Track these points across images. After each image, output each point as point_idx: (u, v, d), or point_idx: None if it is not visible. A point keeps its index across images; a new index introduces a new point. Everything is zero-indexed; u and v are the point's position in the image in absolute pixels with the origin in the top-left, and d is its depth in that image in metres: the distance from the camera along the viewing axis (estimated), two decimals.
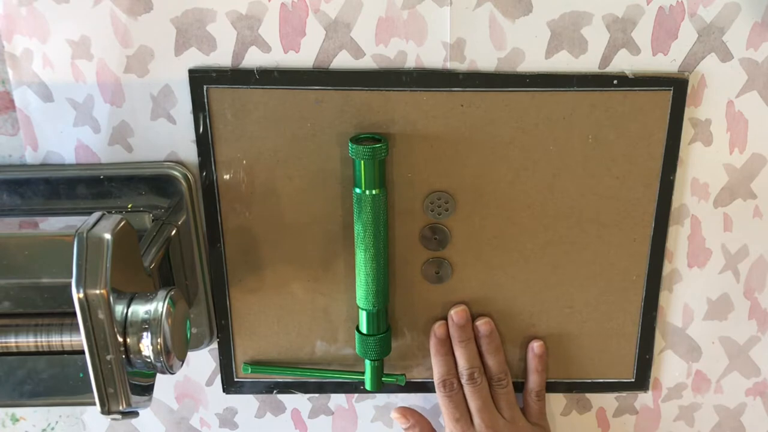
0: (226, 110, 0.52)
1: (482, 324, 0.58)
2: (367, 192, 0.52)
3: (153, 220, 0.53)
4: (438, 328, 0.58)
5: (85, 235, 0.41)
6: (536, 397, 0.59)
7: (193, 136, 0.53)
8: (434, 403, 0.62)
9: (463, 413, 0.57)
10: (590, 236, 0.56)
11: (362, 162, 0.51)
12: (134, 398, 0.43)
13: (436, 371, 0.58)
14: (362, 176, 0.51)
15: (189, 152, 0.54)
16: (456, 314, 0.57)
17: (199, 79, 0.51)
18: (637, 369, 0.60)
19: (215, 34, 0.51)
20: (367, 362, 0.57)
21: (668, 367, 0.61)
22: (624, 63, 0.51)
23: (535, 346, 0.59)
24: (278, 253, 0.56)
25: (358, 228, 0.53)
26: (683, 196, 0.55)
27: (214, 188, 0.54)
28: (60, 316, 0.45)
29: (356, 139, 0.52)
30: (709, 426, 0.63)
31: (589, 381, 0.60)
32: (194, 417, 0.62)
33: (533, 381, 0.59)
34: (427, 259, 0.56)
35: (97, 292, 0.40)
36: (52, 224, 0.53)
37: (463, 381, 0.57)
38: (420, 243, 0.56)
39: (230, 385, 0.60)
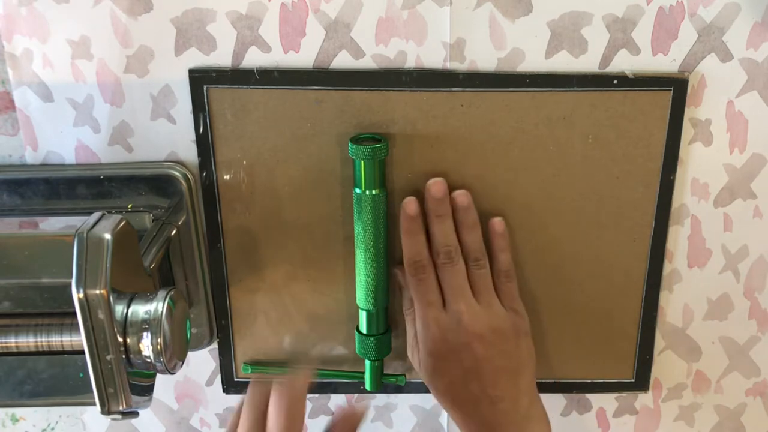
0: (226, 110, 0.52)
1: (460, 195, 0.52)
2: (367, 192, 0.52)
3: (153, 220, 0.53)
4: (409, 203, 0.52)
5: (85, 235, 0.41)
6: (505, 278, 0.54)
7: (193, 136, 0.53)
8: (434, 403, 0.62)
9: (437, 297, 0.52)
10: (590, 236, 0.56)
11: (362, 162, 0.51)
12: (134, 398, 0.43)
13: (407, 251, 0.53)
14: (362, 176, 0.51)
15: (189, 152, 0.54)
16: (434, 185, 0.52)
17: (199, 79, 0.51)
18: (637, 369, 0.60)
19: (215, 34, 0.51)
20: (367, 362, 0.57)
21: (668, 367, 0.61)
22: (624, 63, 0.51)
23: (496, 222, 0.54)
24: (278, 253, 0.56)
25: (358, 228, 0.53)
26: (683, 196, 0.55)
27: (214, 188, 0.54)
28: (60, 316, 0.45)
29: (356, 139, 0.52)
30: (709, 426, 0.63)
31: (589, 381, 0.60)
32: (194, 417, 0.62)
33: (500, 261, 0.54)
34: None
35: (97, 292, 0.40)
36: (52, 224, 0.53)
37: (439, 260, 0.52)
38: None
39: (230, 385, 0.60)
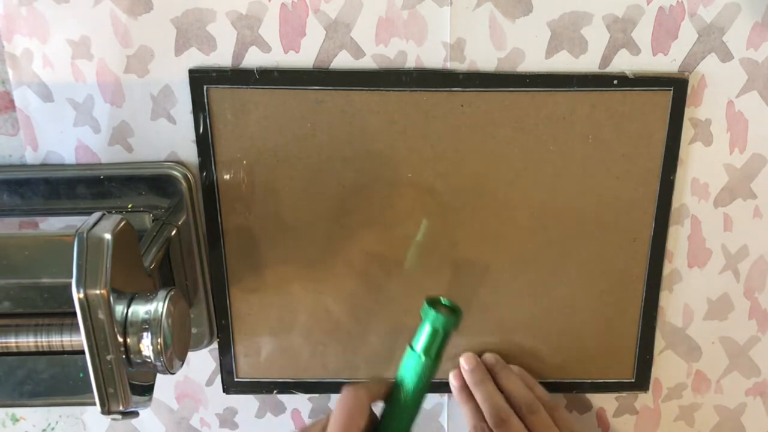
0: (226, 110, 0.52)
1: (487, 356, 0.57)
2: (424, 358, 0.49)
3: (153, 220, 0.53)
4: (454, 378, 0.57)
5: (85, 235, 0.41)
6: (552, 410, 0.55)
7: (193, 136, 0.53)
8: (435, 403, 0.62)
9: None
10: (590, 236, 0.56)
11: (432, 328, 0.49)
12: (134, 398, 0.43)
13: (468, 420, 0.55)
14: (427, 341, 0.49)
15: (189, 152, 0.54)
16: (465, 360, 0.57)
17: (199, 79, 0.51)
18: (637, 369, 0.60)
19: (215, 34, 0.51)
20: None
21: (668, 367, 0.61)
22: (624, 63, 0.51)
23: (511, 367, 0.57)
24: (278, 253, 0.56)
25: (400, 384, 0.49)
26: (683, 196, 0.55)
27: (214, 188, 0.54)
28: (60, 316, 0.45)
29: (432, 302, 0.50)
30: (709, 426, 0.63)
31: (589, 381, 0.60)
32: (194, 417, 0.62)
33: (537, 395, 0.55)
34: None
35: (97, 292, 0.40)
36: (52, 224, 0.53)
37: (493, 425, 0.53)
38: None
39: (230, 385, 0.60)
